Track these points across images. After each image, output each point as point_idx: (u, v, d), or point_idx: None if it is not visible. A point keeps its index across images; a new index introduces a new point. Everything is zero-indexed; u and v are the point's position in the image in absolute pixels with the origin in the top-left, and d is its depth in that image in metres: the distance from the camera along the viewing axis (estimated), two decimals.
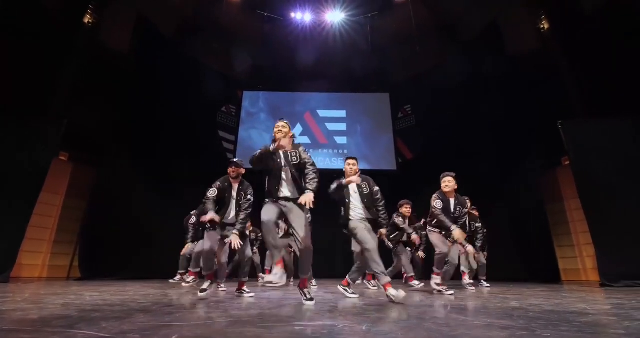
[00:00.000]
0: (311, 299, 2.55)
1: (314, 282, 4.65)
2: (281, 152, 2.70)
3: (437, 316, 1.91)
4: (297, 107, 10.49)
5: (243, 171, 3.41)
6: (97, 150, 7.27)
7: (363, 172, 3.50)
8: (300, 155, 2.72)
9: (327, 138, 10.11)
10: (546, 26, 8.08)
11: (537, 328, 1.49)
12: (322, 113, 10.35)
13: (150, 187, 7.51)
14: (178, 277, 5.76)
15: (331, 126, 10.19)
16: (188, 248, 5.56)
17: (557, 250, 6.64)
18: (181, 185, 8.03)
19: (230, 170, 3.34)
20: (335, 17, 10.31)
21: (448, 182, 3.66)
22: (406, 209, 4.96)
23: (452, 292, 3.63)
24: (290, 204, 2.62)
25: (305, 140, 9.93)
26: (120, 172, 7.00)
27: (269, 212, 2.56)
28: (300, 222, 2.58)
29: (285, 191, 2.64)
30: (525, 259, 6.71)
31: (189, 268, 5.34)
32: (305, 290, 2.64)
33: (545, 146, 7.18)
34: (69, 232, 7.15)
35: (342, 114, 10.40)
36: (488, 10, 8.85)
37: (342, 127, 10.19)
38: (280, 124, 2.80)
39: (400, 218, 4.92)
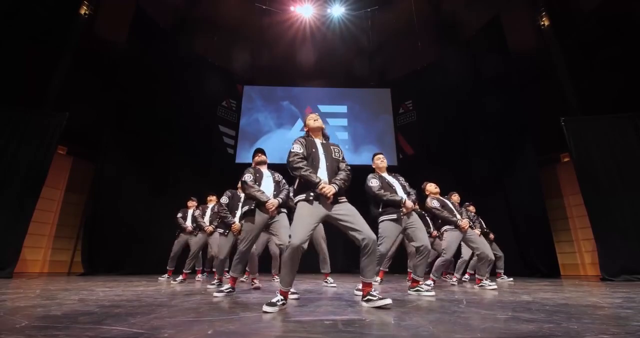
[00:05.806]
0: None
1: (330, 279, 4.13)
2: (320, 143, 2.51)
3: (458, 310, 1.93)
4: (298, 101, 10.44)
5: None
6: (94, 144, 7.16)
7: (363, 168, 3.47)
8: (341, 154, 2.53)
9: (328, 133, 10.07)
10: (547, 23, 8.10)
11: (561, 321, 1.52)
12: (323, 108, 10.30)
13: (149, 182, 7.44)
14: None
15: (332, 121, 10.15)
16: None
17: (556, 245, 6.74)
18: (181, 179, 7.99)
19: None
20: (336, 10, 10.23)
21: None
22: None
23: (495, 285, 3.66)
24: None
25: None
26: (118, 166, 6.90)
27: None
28: (355, 218, 2.14)
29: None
30: (525, 254, 6.79)
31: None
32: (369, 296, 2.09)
33: (545, 143, 7.25)
34: (69, 227, 7.09)
35: (343, 109, 10.37)
36: (490, 6, 8.84)
37: (344, 122, 10.16)
38: (313, 115, 2.68)
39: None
